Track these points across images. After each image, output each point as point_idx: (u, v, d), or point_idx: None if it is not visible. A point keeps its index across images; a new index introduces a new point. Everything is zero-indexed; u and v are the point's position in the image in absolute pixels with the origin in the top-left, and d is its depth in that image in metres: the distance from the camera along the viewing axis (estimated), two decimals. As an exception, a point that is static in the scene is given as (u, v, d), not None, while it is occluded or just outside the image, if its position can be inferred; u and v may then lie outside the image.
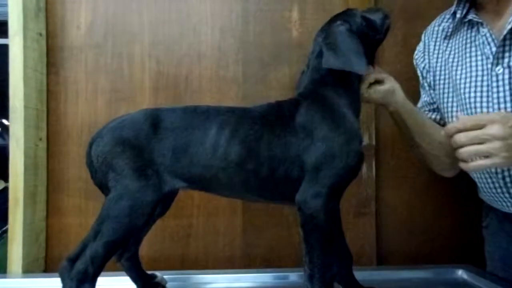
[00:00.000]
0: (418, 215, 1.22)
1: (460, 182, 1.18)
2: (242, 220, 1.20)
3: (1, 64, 1.23)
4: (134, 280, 0.92)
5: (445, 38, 1.01)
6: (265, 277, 1.02)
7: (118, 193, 0.76)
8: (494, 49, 0.89)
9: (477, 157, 0.75)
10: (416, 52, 1.09)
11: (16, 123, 1.11)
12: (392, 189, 1.23)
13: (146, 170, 0.77)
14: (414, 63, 1.09)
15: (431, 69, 1.03)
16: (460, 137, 0.75)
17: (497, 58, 0.88)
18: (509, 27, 0.85)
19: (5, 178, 1.16)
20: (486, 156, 0.73)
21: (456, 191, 1.22)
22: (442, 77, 1.00)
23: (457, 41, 0.99)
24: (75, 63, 1.22)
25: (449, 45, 1.00)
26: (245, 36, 1.23)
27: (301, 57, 1.19)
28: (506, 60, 0.87)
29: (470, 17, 0.94)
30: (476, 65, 0.92)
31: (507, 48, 0.88)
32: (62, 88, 1.22)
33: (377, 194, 1.21)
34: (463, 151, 0.75)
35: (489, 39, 0.91)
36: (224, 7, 1.23)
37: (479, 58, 0.92)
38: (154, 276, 0.94)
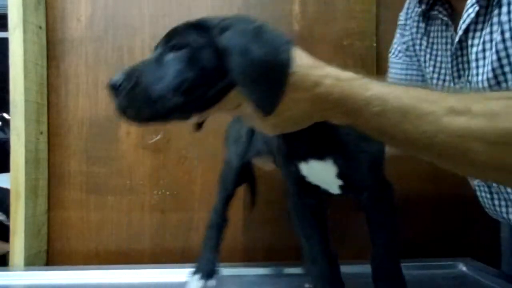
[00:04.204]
0: (418, 209, 1.22)
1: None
2: (244, 213, 1.20)
3: (1, 57, 1.22)
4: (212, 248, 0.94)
5: (419, 22, 0.91)
6: (267, 270, 1.02)
7: (226, 157, 0.92)
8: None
9: None
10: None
11: (16, 117, 1.10)
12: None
13: (240, 139, 0.89)
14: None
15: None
16: None
17: (457, 71, 0.81)
18: (457, 39, 0.77)
19: (6, 172, 1.16)
20: None
21: (458, 182, 1.21)
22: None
23: (431, 31, 0.89)
24: (76, 56, 1.22)
25: (425, 31, 0.90)
26: (246, 29, 1.22)
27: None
28: (462, 72, 0.80)
29: (435, 12, 0.84)
30: (445, 73, 0.86)
31: (459, 59, 0.80)
32: (62, 81, 1.21)
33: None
34: None
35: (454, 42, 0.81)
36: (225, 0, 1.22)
37: (449, 60, 0.84)
38: None
